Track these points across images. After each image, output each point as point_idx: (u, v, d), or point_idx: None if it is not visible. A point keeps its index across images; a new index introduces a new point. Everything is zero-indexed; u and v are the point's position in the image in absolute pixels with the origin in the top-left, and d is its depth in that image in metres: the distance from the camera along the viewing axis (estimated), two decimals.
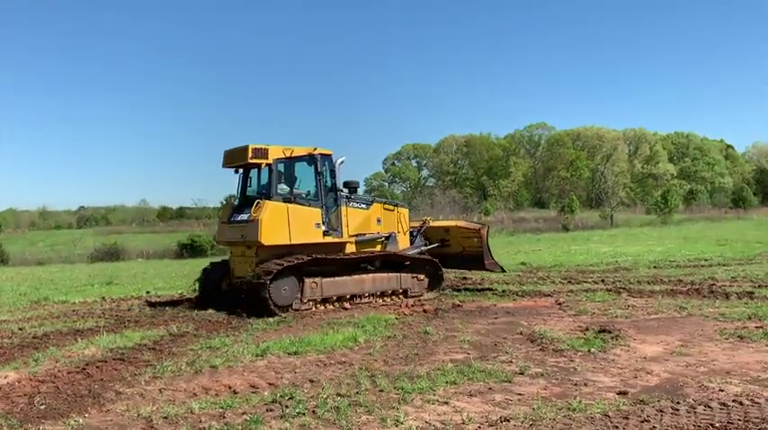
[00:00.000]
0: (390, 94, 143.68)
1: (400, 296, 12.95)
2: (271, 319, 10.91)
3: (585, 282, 14.98)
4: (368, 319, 10.40)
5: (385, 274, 12.74)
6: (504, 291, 13.82)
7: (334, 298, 12.12)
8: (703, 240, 29.08)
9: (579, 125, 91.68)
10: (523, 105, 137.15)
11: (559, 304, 11.87)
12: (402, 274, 12.96)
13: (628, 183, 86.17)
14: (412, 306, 12.01)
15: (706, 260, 19.71)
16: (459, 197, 72.83)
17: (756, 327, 9.06)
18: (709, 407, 5.68)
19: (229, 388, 6.75)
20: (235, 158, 12.50)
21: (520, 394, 6.24)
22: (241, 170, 12.85)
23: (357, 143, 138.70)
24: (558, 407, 5.78)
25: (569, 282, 15.27)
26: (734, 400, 5.84)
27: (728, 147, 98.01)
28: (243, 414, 5.85)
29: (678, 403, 5.81)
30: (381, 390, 6.42)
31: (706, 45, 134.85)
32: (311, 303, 11.79)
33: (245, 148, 11.98)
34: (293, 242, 11.85)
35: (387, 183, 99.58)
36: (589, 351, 7.96)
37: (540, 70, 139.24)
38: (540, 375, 6.92)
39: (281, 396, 6.31)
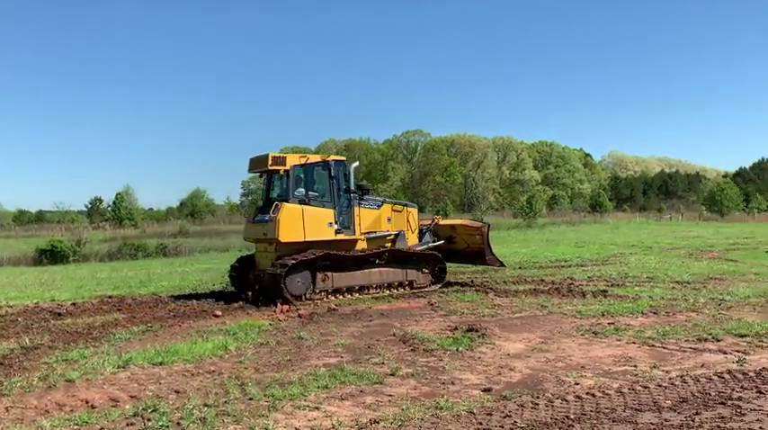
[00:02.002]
0: (269, 96, 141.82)
1: (406, 287, 14.17)
2: (135, 329, 10.36)
3: (456, 283, 15.47)
4: (240, 326, 10.13)
5: (392, 268, 13.97)
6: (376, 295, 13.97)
7: (344, 289, 13.31)
8: (564, 243, 30.96)
9: (453, 132, 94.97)
10: (402, 112, 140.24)
11: (431, 305, 12.18)
12: (408, 268, 14.19)
13: (497, 188, 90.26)
14: (287, 311, 11.85)
15: (566, 261, 20.99)
16: None
17: (609, 323, 9.77)
18: (566, 400, 6.03)
19: (86, 402, 6.32)
20: (257, 165, 13.89)
21: (390, 395, 6.32)
22: (264, 175, 14.26)
23: (233, 143, 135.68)
24: (427, 406, 5.91)
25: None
26: (587, 393, 6.24)
27: (587, 155, 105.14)
28: (100, 429, 5.49)
29: (538, 398, 6.12)
30: (251, 399, 6.27)
31: (565, 62, 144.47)
32: (323, 293, 13.02)
33: (266, 157, 13.28)
34: (308, 239, 13.01)
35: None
36: (457, 350, 8.22)
37: (418, 79, 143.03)
38: (411, 375, 7.06)
39: (143, 409, 5.99)
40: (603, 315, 10.52)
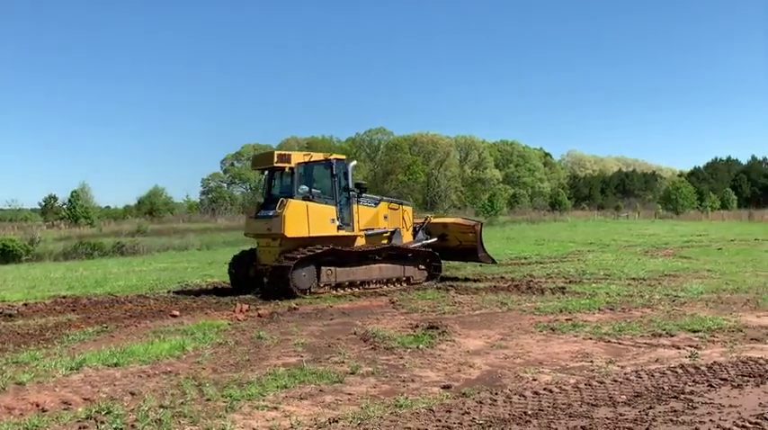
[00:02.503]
0: (229, 93, 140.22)
1: (403, 283, 14.57)
2: (90, 329, 10.11)
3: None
4: (198, 326, 9.97)
5: (391, 264, 14.37)
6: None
7: (347, 283, 13.71)
8: (524, 240, 31.37)
9: (416, 131, 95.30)
10: (364, 111, 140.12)
11: (393, 303, 12.19)
12: (406, 265, 14.63)
13: (459, 186, 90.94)
14: (246, 311, 11.72)
15: (526, 258, 21.27)
16: None
17: (566, 320, 9.91)
18: (523, 396, 6.09)
19: (37, 406, 6.13)
20: (262, 162, 14.65)
21: (350, 394, 6.30)
22: (266, 172, 14.76)
23: (193, 141, 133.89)
24: (386, 404, 5.90)
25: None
26: (545, 389, 6.31)
27: (547, 155, 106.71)
28: None
29: (496, 394, 6.17)
30: (208, 399, 6.17)
31: (525, 63, 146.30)
32: (327, 287, 13.45)
33: (271, 154, 13.92)
34: (312, 234, 13.45)
35: (225, 184, 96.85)
36: (418, 347, 8.23)
37: (381, 78, 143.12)
38: (371, 374, 7.04)
39: (96, 411, 5.84)
40: (561, 311, 10.68)
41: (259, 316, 11.15)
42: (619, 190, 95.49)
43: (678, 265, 17.73)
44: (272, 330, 9.74)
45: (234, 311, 11.58)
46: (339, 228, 13.89)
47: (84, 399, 6.32)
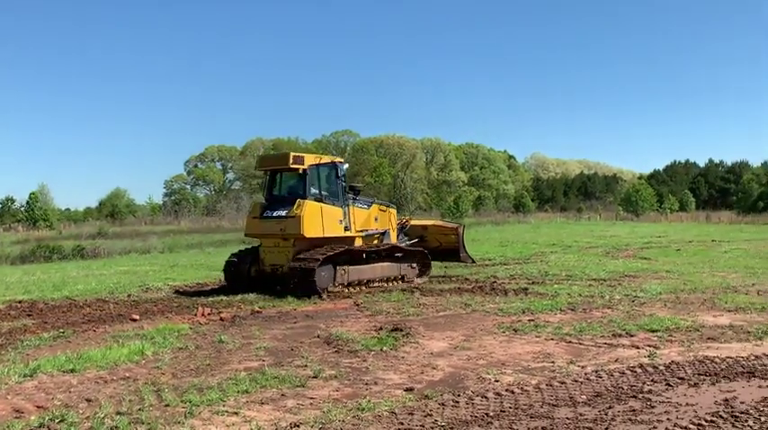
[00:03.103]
0: (193, 93, 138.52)
1: (399, 281, 15.15)
2: (46, 335, 9.84)
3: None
4: (158, 331, 9.77)
5: (391, 263, 15.02)
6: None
7: (356, 282, 14.14)
8: (488, 242, 31.61)
9: (382, 133, 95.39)
10: (331, 112, 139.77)
11: (357, 305, 12.15)
12: (401, 263, 15.27)
13: (425, 188, 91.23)
14: (208, 314, 11.55)
15: (490, 260, 21.43)
16: None
17: (529, 320, 10.00)
18: (486, 397, 6.12)
19: None
20: (274, 163, 15.24)
21: (312, 398, 6.24)
22: (267, 173, 15.02)
23: (156, 142, 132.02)
24: (348, 408, 5.86)
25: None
26: (506, 390, 6.35)
27: (511, 157, 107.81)
28: None
29: (459, 396, 6.18)
30: (167, 405, 6.04)
31: (490, 66, 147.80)
32: (340, 286, 13.75)
33: (286, 155, 14.25)
34: (325, 235, 13.86)
35: (189, 186, 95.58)
36: (381, 350, 8.21)
37: (346, 79, 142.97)
38: (334, 377, 6.99)
39: (50, 419, 5.68)
40: (524, 312, 10.77)
41: (221, 320, 10.99)
42: (581, 192, 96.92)
43: (638, 266, 18.06)
44: (234, 334, 9.61)
45: (195, 315, 11.40)
46: (346, 229, 14.42)
47: (38, 407, 6.13)
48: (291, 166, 14.01)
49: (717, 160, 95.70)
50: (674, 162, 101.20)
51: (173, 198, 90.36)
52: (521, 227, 51.52)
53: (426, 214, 72.60)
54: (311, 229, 13.56)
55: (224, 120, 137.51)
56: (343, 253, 13.78)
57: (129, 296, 14.30)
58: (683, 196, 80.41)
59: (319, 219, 13.74)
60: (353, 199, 14.93)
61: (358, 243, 14.86)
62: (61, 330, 10.21)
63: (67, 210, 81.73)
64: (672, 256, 21.34)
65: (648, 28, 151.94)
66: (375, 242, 15.36)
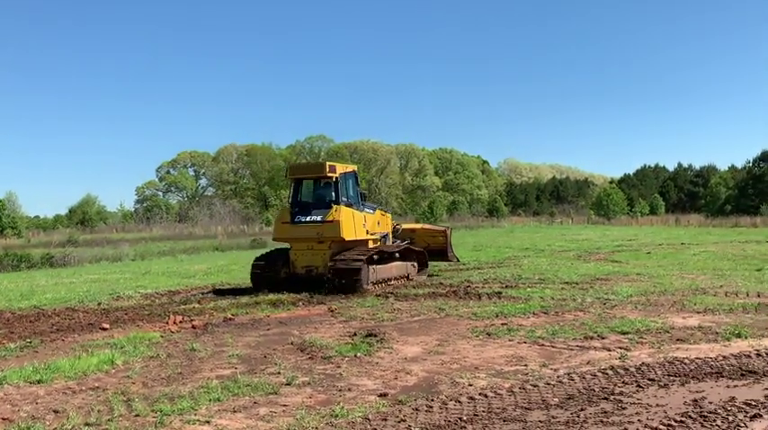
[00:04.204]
0: (165, 98, 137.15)
1: (405, 279, 16.41)
2: (12, 345, 9.61)
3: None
4: (128, 339, 9.62)
5: (401, 262, 16.27)
6: (278, 301, 13.72)
7: (381, 280, 15.17)
8: (462, 246, 31.68)
9: (356, 139, 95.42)
10: (304, 118, 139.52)
11: (331, 311, 12.09)
12: (408, 262, 16.63)
13: (400, 194, 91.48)
14: (180, 322, 11.40)
15: (464, 264, 21.48)
16: (239, 207, 71.39)
17: (502, 324, 10.06)
18: (459, 401, 6.12)
19: None
20: (306, 171, 16.28)
21: (285, 405, 6.19)
22: (293, 180, 15.86)
23: (127, 148, 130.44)
24: (322, 414, 5.82)
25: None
26: (480, 394, 6.36)
27: (484, 162, 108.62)
28: None
29: (432, 400, 6.18)
30: (137, 415, 5.95)
31: (464, 72, 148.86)
32: (371, 284, 14.72)
33: (323, 164, 15.31)
34: (357, 238, 15.14)
35: (161, 193, 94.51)
36: (356, 356, 8.18)
37: (320, 84, 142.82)
38: (307, 384, 6.95)
39: None
40: (497, 316, 10.82)
41: (193, 327, 10.86)
42: (553, 196, 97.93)
43: (609, 269, 18.28)
44: (206, 342, 9.50)
45: (167, 323, 11.25)
46: (368, 232, 15.67)
47: (3, 419, 6.00)
48: (327, 175, 15.04)
49: (686, 164, 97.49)
50: (645, 166, 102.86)
51: (144, 205, 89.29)
52: (494, 231, 51.88)
53: (401, 219, 72.73)
54: (349, 232, 14.77)
55: (197, 126, 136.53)
56: (377, 253, 15.09)
57: (99, 304, 14.06)
58: (653, 200, 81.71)
59: (353, 223, 14.95)
60: (363, 204, 16.12)
61: (371, 245, 15.88)
62: (29, 340, 9.99)
63: (36, 217, 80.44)
64: (642, 259, 21.64)
65: (619, 33, 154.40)
66: (378, 244, 16.35)
